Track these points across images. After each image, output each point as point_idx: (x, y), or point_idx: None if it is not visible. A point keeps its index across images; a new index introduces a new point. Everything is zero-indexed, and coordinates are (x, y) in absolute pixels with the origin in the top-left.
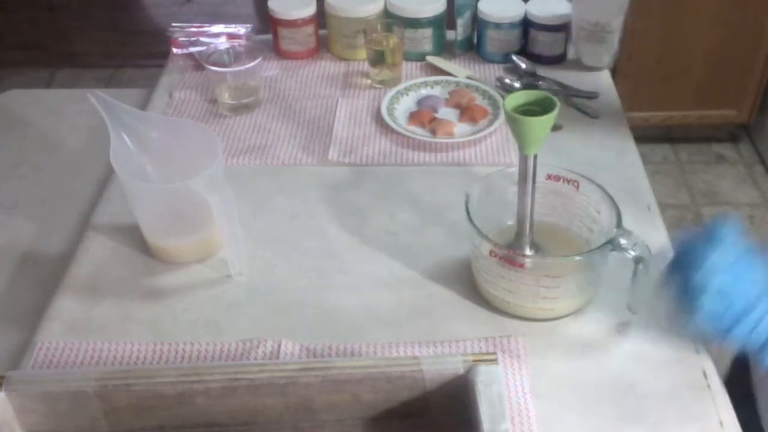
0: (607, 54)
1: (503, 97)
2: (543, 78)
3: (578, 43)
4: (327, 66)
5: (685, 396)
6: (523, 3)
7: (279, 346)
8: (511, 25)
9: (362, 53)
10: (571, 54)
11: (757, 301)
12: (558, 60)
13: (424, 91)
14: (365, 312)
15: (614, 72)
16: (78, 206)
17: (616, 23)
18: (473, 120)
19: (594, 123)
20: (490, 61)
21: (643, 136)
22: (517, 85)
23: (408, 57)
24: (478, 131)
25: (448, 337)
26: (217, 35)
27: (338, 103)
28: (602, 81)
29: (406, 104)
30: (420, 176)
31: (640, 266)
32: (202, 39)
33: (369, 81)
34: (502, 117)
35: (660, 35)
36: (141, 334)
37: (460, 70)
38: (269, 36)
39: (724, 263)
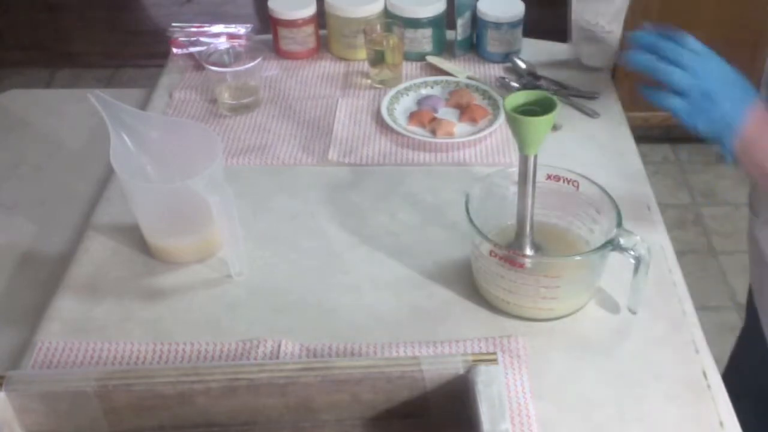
0: (607, 54)
1: (503, 97)
2: (543, 78)
3: (578, 43)
4: (327, 66)
5: (685, 396)
6: (522, 3)
7: (279, 346)
8: (511, 25)
9: (362, 53)
10: (571, 54)
11: (719, 95)
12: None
13: (424, 91)
14: (365, 312)
15: (614, 72)
16: (78, 206)
17: (616, 23)
18: (473, 120)
19: (594, 123)
20: (490, 61)
21: (643, 136)
22: (517, 85)
23: (408, 57)
24: (478, 131)
25: (448, 337)
26: (217, 35)
27: (338, 103)
28: (602, 81)
29: (406, 104)
30: (420, 176)
31: (640, 266)
32: (202, 39)
33: (369, 81)
34: (502, 117)
35: None
36: (141, 334)
37: (460, 70)
38: (269, 36)
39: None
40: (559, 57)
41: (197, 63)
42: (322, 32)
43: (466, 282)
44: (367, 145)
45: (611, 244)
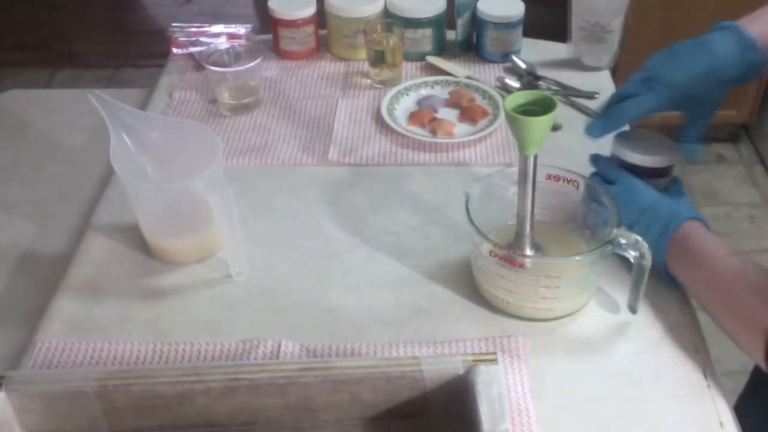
0: (607, 54)
1: (503, 97)
2: (543, 78)
3: (578, 43)
4: (327, 66)
5: (685, 396)
6: (522, 3)
7: (279, 346)
8: (511, 25)
9: (362, 53)
10: (570, 54)
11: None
12: None
13: (424, 91)
14: (365, 312)
15: (614, 72)
16: (78, 206)
17: (616, 23)
18: (473, 120)
19: None
20: (490, 61)
21: None
22: (517, 85)
23: (408, 57)
24: (478, 131)
25: (448, 337)
26: (217, 35)
27: (338, 103)
28: (602, 81)
29: (406, 104)
30: (420, 176)
31: (641, 266)
32: (202, 39)
33: (369, 81)
34: (502, 117)
35: (660, 35)
36: (141, 334)
37: (460, 70)
38: (269, 36)
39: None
40: (559, 57)
41: (197, 63)
42: (322, 32)
43: (466, 282)
44: (367, 145)
45: (611, 244)
